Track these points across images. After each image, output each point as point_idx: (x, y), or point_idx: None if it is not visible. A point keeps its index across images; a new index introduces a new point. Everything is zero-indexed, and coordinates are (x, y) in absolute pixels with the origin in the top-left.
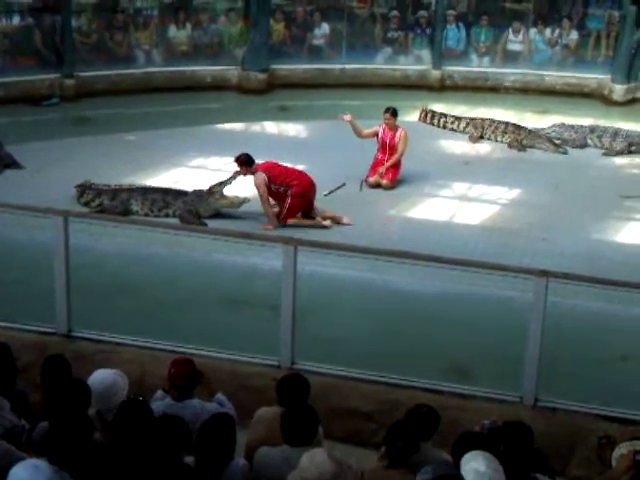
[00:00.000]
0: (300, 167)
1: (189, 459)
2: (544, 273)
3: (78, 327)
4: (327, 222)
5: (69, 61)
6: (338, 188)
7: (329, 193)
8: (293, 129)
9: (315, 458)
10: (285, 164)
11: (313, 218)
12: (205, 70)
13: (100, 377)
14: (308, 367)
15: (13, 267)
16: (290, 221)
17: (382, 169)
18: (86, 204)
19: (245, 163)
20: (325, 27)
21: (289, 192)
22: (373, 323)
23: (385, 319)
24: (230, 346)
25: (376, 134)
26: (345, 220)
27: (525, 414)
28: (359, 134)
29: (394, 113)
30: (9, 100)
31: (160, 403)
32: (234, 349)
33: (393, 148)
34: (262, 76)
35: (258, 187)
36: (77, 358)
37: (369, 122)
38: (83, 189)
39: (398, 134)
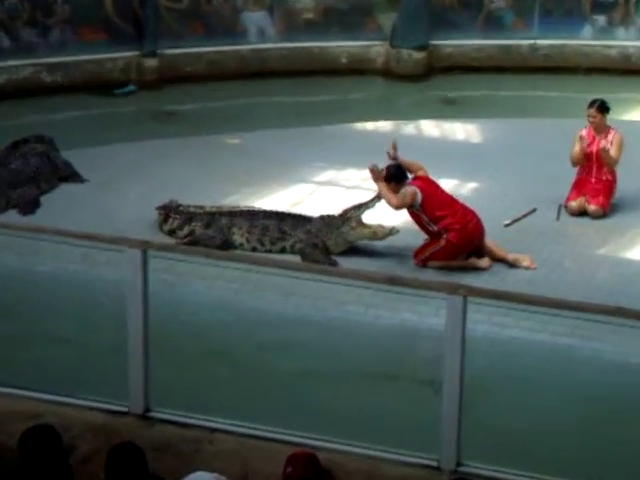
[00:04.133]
0: (471, 185)
1: None
2: None
3: (158, 405)
4: (484, 262)
5: (151, 35)
6: (525, 216)
7: (512, 222)
8: (461, 130)
9: None
10: (447, 185)
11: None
12: (339, 47)
13: None
14: (478, 470)
15: (72, 319)
16: (431, 264)
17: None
18: (171, 233)
19: (394, 178)
20: None
21: (444, 236)
22: (571, 410)
23: (590, 405)
24: (369, 438)
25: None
26: (526, 263)
27: None
28: (576, 160)
29: (602, 108)
30: (70, 88)
31: None
32: (374, 442)
33: (601, 158)
34: (419, 55)
35: (402, 195)
36: (157, 449)
37: (571, 122)
38: (168, 212)
39: (610, 138)
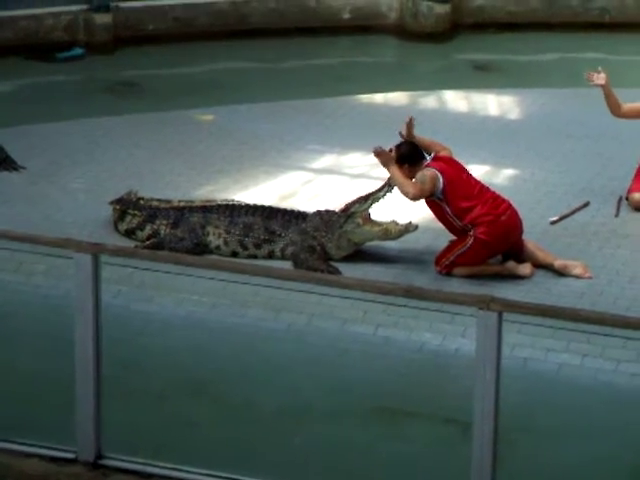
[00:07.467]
0: (507, 172)
1: None
2: None
3: (113, 451)
4: (525, 269)
5: None
6: (576, 211)
7: (560, 219)
8: (495, 103)
9: None
10: (477, 172)
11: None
12: None
13: None
14: None
15: (2, 343)
16: (458, 271)
17: None
18: (130, 233)
19: (408, 159)
20: None
21: (472, 232)
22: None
23: None
24: None
25: None
26: (577, 270)
27: None
28: (616, 110)
29: None
30: (0, 50)
31: None
32: None
33: None
34: (441, 9)
35: (420, 181)
36: None
37: (634, 93)
38: (125, 207)
39: None
